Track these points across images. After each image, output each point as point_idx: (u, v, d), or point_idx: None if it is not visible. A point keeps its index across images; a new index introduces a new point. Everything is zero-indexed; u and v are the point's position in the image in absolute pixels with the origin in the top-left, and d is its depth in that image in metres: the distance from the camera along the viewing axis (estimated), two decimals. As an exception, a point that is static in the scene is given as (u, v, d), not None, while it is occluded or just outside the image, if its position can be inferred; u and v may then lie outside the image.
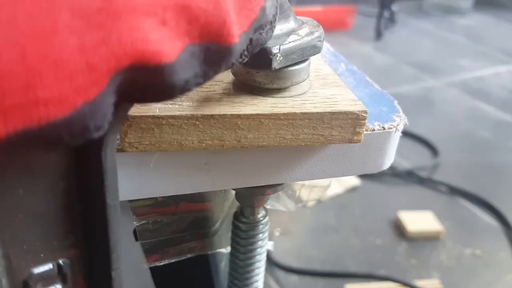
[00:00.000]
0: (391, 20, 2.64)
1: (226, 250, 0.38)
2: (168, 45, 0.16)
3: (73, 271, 0.21)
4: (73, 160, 0.19)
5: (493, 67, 2.29)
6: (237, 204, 0.37)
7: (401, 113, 0.31)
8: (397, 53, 2.39)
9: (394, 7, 2.62)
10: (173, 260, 0.35)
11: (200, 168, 0.27)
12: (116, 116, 0.17)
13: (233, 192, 0.37)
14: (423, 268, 1.11)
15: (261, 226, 0.34)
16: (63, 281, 0.21)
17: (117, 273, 0.21)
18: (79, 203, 0.20)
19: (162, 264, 0.34)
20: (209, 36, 0.17)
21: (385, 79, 2.05)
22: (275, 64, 0.25)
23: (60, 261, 0.21)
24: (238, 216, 0.34)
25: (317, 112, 0.26)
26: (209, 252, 0.37)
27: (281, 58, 0.25)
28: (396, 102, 0.32)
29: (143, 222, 0.32)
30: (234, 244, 0.35)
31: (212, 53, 0.18)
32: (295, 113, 0.25)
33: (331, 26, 2.49)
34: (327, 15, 2.55)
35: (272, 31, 0.22)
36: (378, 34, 2.54)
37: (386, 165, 0.31)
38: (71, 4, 0.13)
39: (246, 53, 0.20)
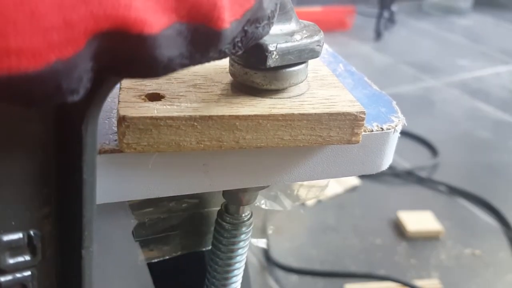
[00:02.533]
0: (391, 20, 2.64)
1: None
2: (153, 16, 0.15)
3: (43, 244, 0.21)
4: (54, 131, 0.19)
5: (493, 67, 2.29)
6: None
7: (400, 114, 0.31)
8: (397, 53, 2.39)
9: (394, 7, 2.62)
10: (166, 257, 0.35)
11: (198, 169, 0.27)
12: (101, 89, 0.17)
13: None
14: (423, 268, 1.11)
15: (244, 225, 0.34)
16: (32, 253, 0.21)
17: (87, 252, 0.21)
18: (56, 177, 0.20)
19: (156, 261, 0.34)
20: (198, 17, 0.17)
21: (385, 79, 2.05)
22: (270, 62, 0.25)
23: (31, 232, 0.21)
24: (222, 213, 0.34)
25: (315, 113, 0.26)
26: (204, 249, 0.37)
27: (277, 56, 0.25)
28: (394, 102, 0.32)
29: (137, 219, 0.32)
30: (216, 242, 0.35)
31: (201, 35, 0.17)
32: (293, 114, 0.25)
33: (331, 26, 2.49)
34: (327, 15, 2.55)
35: (270, 27, 0.22)
36: (378, 34, 2.54)
37: (385, 165, 0.31)
38: None
39: (240, 44, 0.20)
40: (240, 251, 0.34)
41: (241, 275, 0.36)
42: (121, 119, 0.23)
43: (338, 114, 0.26)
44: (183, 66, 0.18)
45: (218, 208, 0.35)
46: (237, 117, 0.25)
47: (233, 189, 0.32)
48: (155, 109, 0.24)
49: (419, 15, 3.00)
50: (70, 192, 0.20)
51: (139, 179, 0.26)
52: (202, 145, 0.25)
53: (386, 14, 2.58)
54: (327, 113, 0.26)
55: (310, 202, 1.28)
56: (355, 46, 2.45)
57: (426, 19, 2.95)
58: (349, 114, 0.26)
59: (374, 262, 1.12)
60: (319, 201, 1.29)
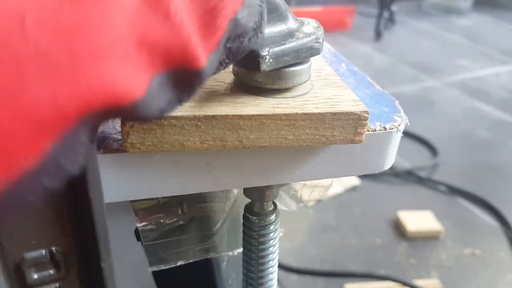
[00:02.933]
0: (391, 20, 2.64)
1: (232, 253, 0.38)
2: (135, 81, 0.16)
3: (66, 259, 0.22)
4: None
5: (493, 67, 2.30)
6: (238, 204, 0.37)
7: (402, 114, 0.31)
8: (397, 53, 2.39)
9: (394, 8, 2.62)
10: (178, 264, 0.35)
11: (202, 169, 0.27)
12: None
13: (235, 191, 0.37)
14: (423, 268, 1.11)
15: (271, 218, 0.34)
16: (56, 267, 0.22)
17: (106, 264, 0.22)
18: (65, 196, 0.21)
19: (167, 267, 0.34)
20: (174, 62, 0.17)
21: (385, 79, 2.05)
22: (264, 67, 0.25)
23: (53, 249, 0.22)
24: (248, 211, 0.34)
25: (319, 113, 0.26)
26: (214, 256, 0.37)
27: (271, 60, 0.25)
28: (397, 102, 0.32)
29: (146, 223, 0.32)
30: (247, 239, 0.35)
31: (181, 78, 0.18)
32: (296, 114, 0.25)
33: (331, 27, 2.49)
34: (327, 15, 2.55)
35: (258, 37, 0.22)
36: (378, 35, 2.54)
37: (387, 165, 0.31)
38: (36, 54, 0.13)
39: (227, 60, 0.20)
40: (271, 242, 0.35)
41: (276, 268, 0.36)
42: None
43: (341, 113, 0.26)
44: (174, 108, 0.18)
45: (224, 213, 0.35)
46: (240, 116, 0.25)
47: (254, 187, 0.32)
48: None
49: (419, 15, 3.00)
50: (81, 210, 0.21)
51: (143, 179, 0.26)
52: (206, 145, 0.25)
53: (386, 14, 2.58)
54: (330, 113, 0.26)
55: (311, 202, 1.28)
56: (355, 46, 2.45)
57: (426, 19, 2.95)
58: (352, 113, 0.26)
59: (374, 262, 1.12)
60: (319, 201, 1.29)
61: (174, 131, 0.24)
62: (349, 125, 0.26)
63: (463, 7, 3.07)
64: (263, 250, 0.35)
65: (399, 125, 0.29)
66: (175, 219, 0.34)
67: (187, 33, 0.17)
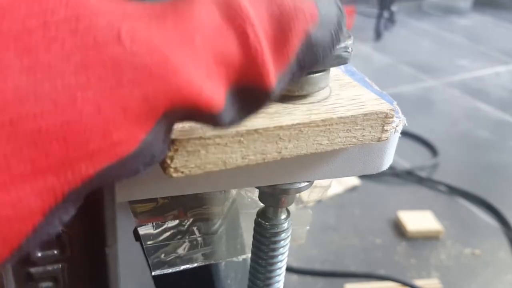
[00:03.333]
0: (391, 20, 2.64)
1: (237, 259, 0.38)
2: (216, 91, 0.18)
3: (71, 241, 0.23)
4: None
5: (492, 67, 2.30)
6: (236, 205, 0.37)
7: (401, 114, 0.31)
8: (397, 53, 2.39)
9: (394, 8, 2.62)
10: (182, 268, 0.35)
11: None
12: None
13: (233, 192, 0.37)
14: (423, 268, 1.12)
15: (284, 225, 0.34)
16: (61, 248, 0.23)
17: (111, 250, 0.23)
18: None
19: (171, 271, 0.34)
20: (246, 80, 0.19)
21: (385, 79, 2.06)
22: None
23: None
24: (261, 216, 0.34)
25: (352, 115, 0.26)
26: (216, 262, 0.37)
27: None
28: (395, 103, 0.32)
29: (146, 225, 0.32)
30: (257, 245, 0.34)
31: (251, 95, 0.19)
32: (331, 118, 0.25)
33: (331, 26, 2.49)
34: (326, 15, 2.55)
35: (334, 48, 0.22)
36: (378, 35, 2.54)
37: (385, 165, 0.31)
38: (130, 58, 0.16)
39: (299, 73, 0.21)
40: (281, 250, 0.34)
41: (283, 275, 0.36)
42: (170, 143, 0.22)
43: (371, 113, 0.26)
44: (240, 121, 0.20)
45: (222, 214, 0.35)
46: (281, 127, 0.24)
47: (274, 191, 0.31)
48: (201, 129, 0.23)
49: (419, 15, 3.00)
50: (92, 194, 0.21)
51: (141, 179, 0.26)
52: (247, 160, 0.24)
53: (386, 14, 2.58)
54: (362, 114, 0.26)
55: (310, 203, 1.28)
56: (355, 46, 2.44)
57: (426, 19, 2.95)
58: (381, 112, 0.26)
59: (374, 262, 1.13)
60: (319, 201, 1.30)
61: (217, 150, 0.23)
62: (377, 124, 0.26)
63: (463, 7, 3.07)
64: (273, 257, 0.34)
65: (397, 126, 0.29)
66: (175, 221, 0.34)
67: (261, 53, 0.19)
